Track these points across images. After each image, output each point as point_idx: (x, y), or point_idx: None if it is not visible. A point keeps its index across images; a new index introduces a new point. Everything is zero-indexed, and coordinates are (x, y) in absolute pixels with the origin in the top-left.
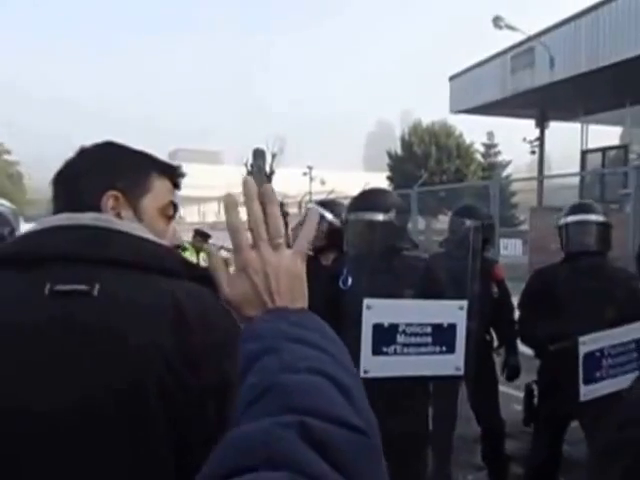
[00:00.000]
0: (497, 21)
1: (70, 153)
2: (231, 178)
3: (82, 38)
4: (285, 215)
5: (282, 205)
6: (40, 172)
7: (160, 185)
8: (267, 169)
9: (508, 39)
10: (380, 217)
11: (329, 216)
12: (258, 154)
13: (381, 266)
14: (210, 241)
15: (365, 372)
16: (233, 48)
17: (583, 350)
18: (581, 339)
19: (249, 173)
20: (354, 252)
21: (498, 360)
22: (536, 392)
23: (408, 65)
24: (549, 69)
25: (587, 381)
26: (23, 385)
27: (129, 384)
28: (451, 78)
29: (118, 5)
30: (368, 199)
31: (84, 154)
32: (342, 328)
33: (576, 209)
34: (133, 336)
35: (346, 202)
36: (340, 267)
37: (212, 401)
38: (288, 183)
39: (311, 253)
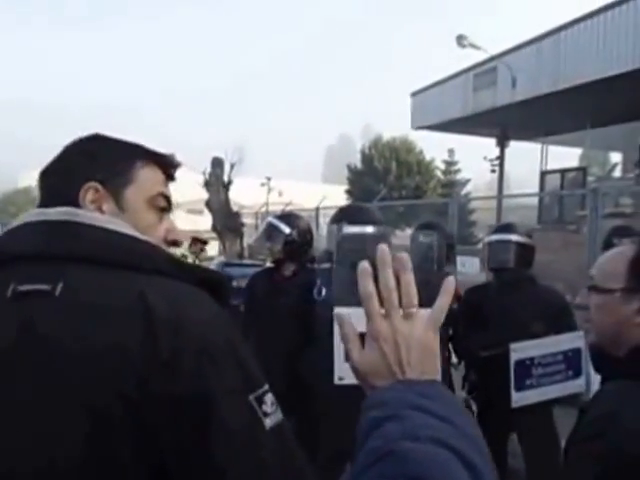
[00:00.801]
0: (460, 40)
1: None
2: (184, 186)
3: None
4: (241, 225)
5: (238, 215)
6: None
7: (147, 175)
8: (225, 178)
9: (471, 58)
10: (367, 230)
11: (286, 229)
12: (216, 163)
13: (354, 278)
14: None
15: (340, 379)
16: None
17: (514, 357)
18: (512, 346)
19: (206, 182)
20: (327, 265)
21: (457, 375)
22: (474, 407)
23: (371, 80)
24: (511, 89)
25: (518, 388)
26: None
27: (91, 392)
28: (413, 94)
29: None
30: (354, 212)
31: (66, 149)
32: (317, 337)
33: (499, 229)
34: (96, 339)
35: (304, 214)
36: (311, 278)
37: (185, 412)
38: (245, 193)
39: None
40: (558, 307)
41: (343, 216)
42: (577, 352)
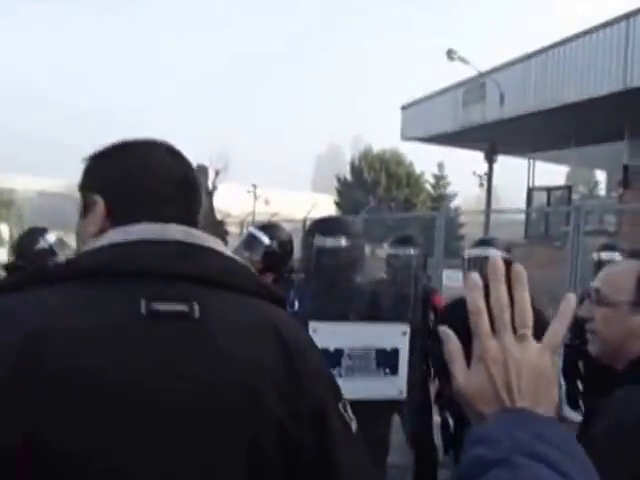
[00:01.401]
0: (450, 54)
1: None
2: None
3: None
4: (225, 233)
5: (222, 224)
6: None
7: None
8: (209, 185)
9: (460, 73)
10: (340, 242)
11: (266, 240)
12: (201, 170)
13: (329, 291)
14: None
15: None
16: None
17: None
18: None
19: None
20: (301, 275)
21: (433, 388)
22: (451, 420)
23: (361, 91)
24: (499, 105)
25: None
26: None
27: (253, 421)
28: (403, 108)
29: None
30: (329, 224)
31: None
32: None
33: (478, 243)
34: (245, 364)
35: (288, 225)
36: (286, 289)
37: (309, 428)
38: (231, 201)
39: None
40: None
41: (317, 228)
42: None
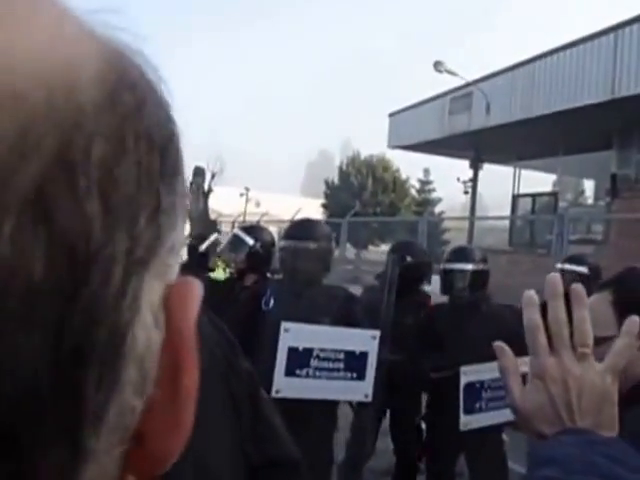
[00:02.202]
0: (438, 65)
1: None
2: None
3: None
4: (218, 232)
5: (215, 223)
6: None
7: None
8: (205, 187)
9: (447, 83)
10: (307, 245)
11: (250, 241)
12: (198, 172)
13: (302, 292)
14: None
15: (277, 392)
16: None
17: (464, 380)
18: (463, 369)
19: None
20: (280, 276)
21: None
22: (424, 427)
23: (351, 98)
24: (485, 114)
25: (467, 411)
26: None
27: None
28: (391, 115)
29: None
30: (298, 228)
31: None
32: (260, 346)
33: (453, 257)
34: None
35: (275, 226)
36: (264, 288)
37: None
38: (226, 202)
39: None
40: (512, 327)
41: (287, 231)
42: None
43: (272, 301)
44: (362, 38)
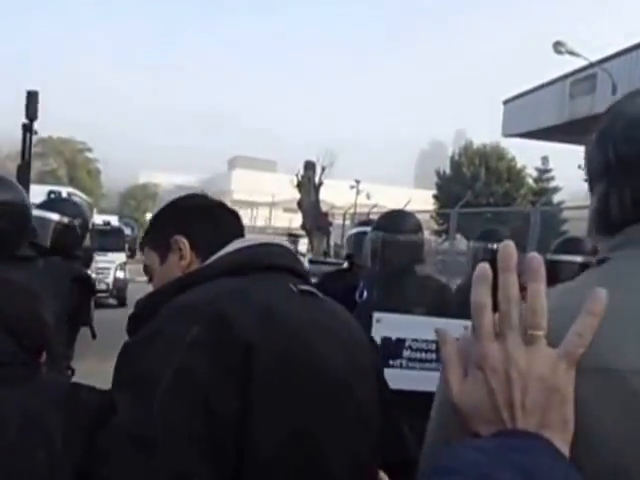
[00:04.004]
0: (558, 46)
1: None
2: (282, 186)
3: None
4: (329, 225)
5: (326, 215)
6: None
7: None
8: (316, 180)
9: (566, 66)
10: (400, 237)
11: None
12: (309, 166)
13: (393, 283)
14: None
15: None
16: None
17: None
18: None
19: (299, 183)
20: (372, 268)
21: None
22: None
23: (465, 88)
24: (611, 96)
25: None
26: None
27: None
28: (505, 102)
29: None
30: (386, 220)
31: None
32: None
33: (561, 247)
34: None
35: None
36: (358, 280)
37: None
38: (336, 195)
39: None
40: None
41: (380, 223)
42: None
43: (365, 293)
44: (475, 23)
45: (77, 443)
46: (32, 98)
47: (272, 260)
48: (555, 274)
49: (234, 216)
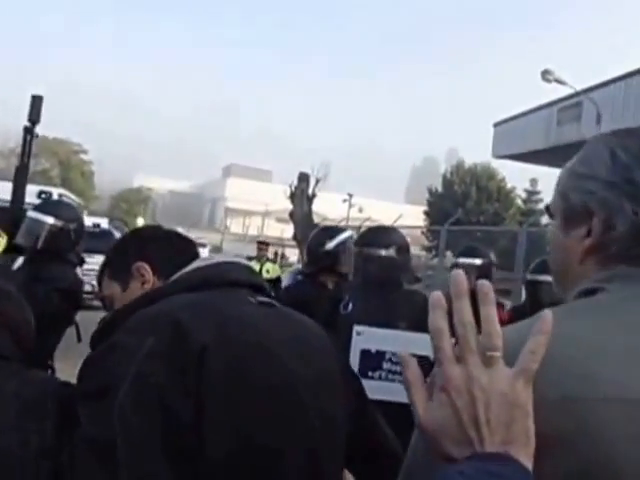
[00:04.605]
0: (545, 74)
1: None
2: (276, 196)
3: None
4: None
5: (318, 226)
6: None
7: None
8: (309, 192)
9: (554, 92)
10: (381, 252)
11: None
12: (302, 177)
13: (379, 296)
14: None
15: None
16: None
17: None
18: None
19: (292, 194)
20: (356, 281)
21: None
22: None
23: (457, 108)
24: (595, 124)
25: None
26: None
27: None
28: (495, 124)
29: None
30: (369, 235)
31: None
32: (339, 349)
33: (539, 268)
34: (322, 335)
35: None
36: (342, 292)
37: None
38: (329, 207)
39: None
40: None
41: (363, 237)
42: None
43: (350, 305)
44: (470, 47)
45: (66, 434)
46: (36, 102)
47: (231, 276)
48: (534, 293)
49: (189, 242)
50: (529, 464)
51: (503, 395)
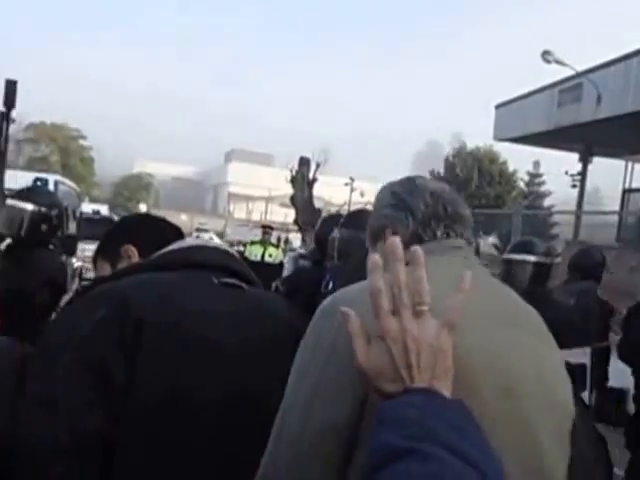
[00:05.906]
0: (546, 55)
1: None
2: (279, 180)
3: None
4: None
5: (319, 211)
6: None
7: None
8: (310, 176)
9: (556, 73)
10: (358, 234)
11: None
12: (303, 162)
13: (360, 277)
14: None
15: None
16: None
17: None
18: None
19: (293, 178)
20: (338, 263)
21: None
22: None
23: (460, 91)
24: (595, 106)
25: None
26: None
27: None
28: (497, 107)
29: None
30: (350, 218)
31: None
32: None
33: (517, 247)
34: (282, 316)
35: None
36: (324, 272)
37: None
38: (331, 191)
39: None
40: (566, 319)
41: (343, 220)
42: (582, 368)
43: (330, 284)
44: (474, 28)
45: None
46: (10, 87)
47: (197, 258)
48: (507, 271)
49: (173, 227)
50: (448, 393)
51: (430, 342)
